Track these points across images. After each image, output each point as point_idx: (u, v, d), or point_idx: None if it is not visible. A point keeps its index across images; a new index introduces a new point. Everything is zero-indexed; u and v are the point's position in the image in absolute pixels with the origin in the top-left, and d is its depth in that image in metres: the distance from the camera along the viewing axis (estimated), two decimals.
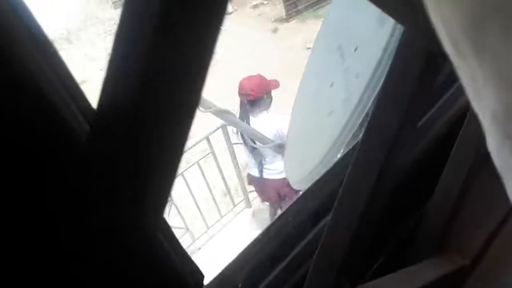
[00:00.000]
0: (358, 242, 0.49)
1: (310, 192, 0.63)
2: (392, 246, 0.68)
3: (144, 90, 0.25)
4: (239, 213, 3.78)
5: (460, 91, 0.75)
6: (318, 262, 0.49)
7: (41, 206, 0.27)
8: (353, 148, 0.57)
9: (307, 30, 6.59)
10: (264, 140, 2.57)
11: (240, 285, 0.51)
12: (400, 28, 1.02)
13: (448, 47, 0.24)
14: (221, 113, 2.28)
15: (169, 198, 0.33)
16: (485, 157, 0.68)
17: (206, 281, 0.43)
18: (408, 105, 0.43)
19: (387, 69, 0.48)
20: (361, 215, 0.48)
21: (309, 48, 5.59)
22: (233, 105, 2.89)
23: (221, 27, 0.26)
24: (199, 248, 3.44)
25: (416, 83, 0.41)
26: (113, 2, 8.32)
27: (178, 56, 0.25)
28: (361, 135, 0.51)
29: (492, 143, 0.24)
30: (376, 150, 0.47)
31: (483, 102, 0.24)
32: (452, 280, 0.62)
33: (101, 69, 6.62)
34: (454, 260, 0.63)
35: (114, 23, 7.98)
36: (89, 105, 0.30)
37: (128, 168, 0.29)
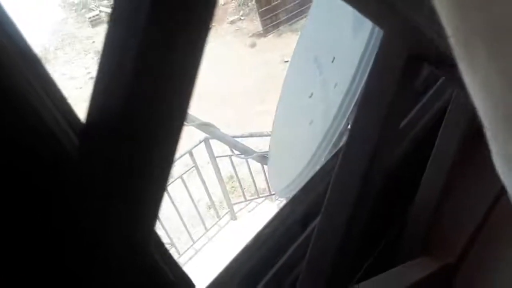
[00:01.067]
0: (347, 244, 0.50)
1: (297, 198, 0.64)
2: (380, 247, 0.69)
3: (131, 104, 0.26)
4: (224, 226, 3.76)
5: (439, 93, 0.78)
6: (309, 265, 0.50)
7: (31, 220, 0.27)
8: (337, 153, 0.59)
9: (285, 44, 6.68)
10: (247, 152, 2.58)
11: None
12: (376, 37, 1.05)
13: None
14: (204, 126, 2.28)
15: (159, 210, 0.34)
16: (465, 157, 0.70)
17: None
18: (388, 108, 0.44)
19: (365, 77, 0.49)
20: (348, 218, 0.49)
21: (287, 61, 5.67)
22: (213, 119, 2.90)
23: (206, 42, 0.26)
24: (185, 263, 3.39)
25: (396, 85, 0.43)
26: (91, 21, 8.27)
27: (164, 70, 0.26)
28: (343, 141, 0.52)
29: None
30: (360, 154, 0.49)
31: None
32: (439, 278, 0.64)
33: (81, 88, 6.54)
34: (440, 259, 0.65)
35: (93, 42, 7.93)
36: (77, 119, 0.30)
37: (118, 180, 0.29)
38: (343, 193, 0.49)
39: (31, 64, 0.28)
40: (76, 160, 0.27)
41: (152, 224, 0.33)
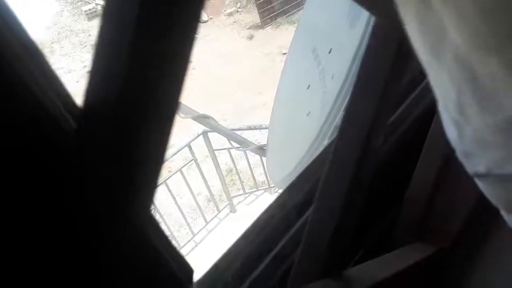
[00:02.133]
0: (341, 231, 0.51)
1: (292, 186, 0.65)
2: (374, 234, 0.70)
3: (127, 89, 0.26)
4: (223, 218, 3.78)
5: None
6: (304, 252, 0.51)
7: (29, 206, 0.27)
8: (331, 143, 0.60)
9: (282, 36, 6.66)
10: (245, 143, 2.59)
11: (230, 278, 0.53)
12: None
13: None
14: (201, 118, 2.28)
15: (154, 197, 0.34)
16: None
17: (196, 277, 0.44)
18: (381, 96, 0.45)
19: None
20: (342, 205, 0.50)
21: (284, 53, 5.66)
22: (211, 112, 2.90)
23: (197, 28, 0.27)
24: (186, 256, 3.41)
25: (388, 73, 0.44)
26: (87, 14, 8.22)
27: (157, 55, 0.26)
28: (338, 130, 0.53)
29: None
30: (353, 142, 0.49)
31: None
32: (434, 262, 0.65)
33: (78, 81, 6.51)
34: (434, 244, 0.66)
35: (89, 35, 7.89)
36: (74, 103, 0.30)
37: (115, 164, 0.30)
38: (337, 181, 0.50)
39: (29, 51, 0.28)
40: (75, 143, 0.28)
41: (149, 206, 0.34)
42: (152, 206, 0.34)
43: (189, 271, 0.41)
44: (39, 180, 0.27)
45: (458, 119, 0.30)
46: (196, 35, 0.27)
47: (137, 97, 0.27)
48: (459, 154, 0.34)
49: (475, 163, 0.32)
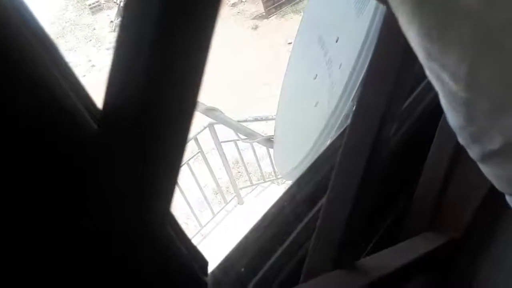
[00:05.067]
0: (354, 221, 0.51)
1: (304, 177, 0.65)
2: (386, 224, 0.70)
3: (148, 87, 0.27)
4: (231, 210, 3.79)
5: None
6: (317, 243, 0.51)
7: (51, 204, 0.28)
8: (343, 133, 0.59)
9: (287, 25, 6.62)
10: (252, 135, 2.59)
11: (243, 269, 0.53)
12: (379, 15, 1.04)
13: None
14: (208, 111, 2.29)
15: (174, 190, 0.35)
16: None
17: (210, 268, 0.44)
18: (393, 84, 0.45)
19: (369, 56, 0.49)
20: (355, 195, 0.50)
21: (290, 43, 5.62)
22: (217, 104, 2.90)
23: (216, 24, 0.27)
24: None
25: (400, 62, 0.43)
26: (91, 8, 8.22)
27: (179, 50, 0.26)
28: (349, 120, 0.53)
29: None
30: (365, 131, 0.49)
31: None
32: (445, 252, 0.65)
33: (84, 75, 6.54)
34: (445, 234, 0.66)
35: (93, 29, 7.89)
36: (94, 103, 0.31)
37: (137, 161, 0.30)
38: (349, 170, 0.50)
39: (48, 48, 0.28)
40: (95, 143, 0.28)
41: (169, 203, 0.34)
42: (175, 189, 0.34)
43: (204, 263, 0.42)
44: (60, 179, 0.28)
45: (467, 96, 0.30)
46: (215, 28, 0.28)
47: (159, 93, 0.27)
48: (466, 141, 0.33)
49: (487, 140, 0.31)
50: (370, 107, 0.46)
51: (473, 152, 0.34)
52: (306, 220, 0.59)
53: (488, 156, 0.32)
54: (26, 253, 0.28)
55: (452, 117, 0.33)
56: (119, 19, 0.28)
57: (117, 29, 0.27)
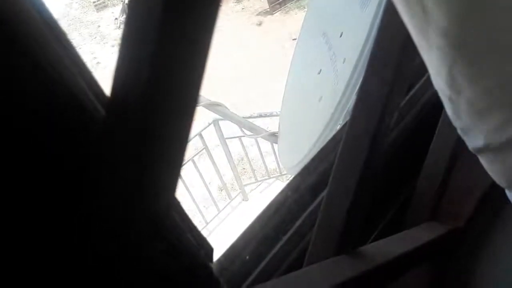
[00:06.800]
0: (356, 210, 0.52)
1: (307, 168, 0.66)
2: (389, 214, 0.71)
3: (154, 78, 0.27)
4: (236, 207, 3.80)
5: None
6: (319, 230, 0.52)
7: (57, 194, 0.29)
8: (344, 125, 0.60)
9: (292, 21, 6.60)
10: (257, 131, 2.60)
11: (248, 257, 0.54)
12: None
13: None
14: (212, 106, 2.29)
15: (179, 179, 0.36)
16: None
17: (215, 256, 0.45)
18: (395, 76, 0.45)
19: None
20: (357, 184, 0.51)
21: (294, 39, 5.61)
22: (222, 100, 2.90)
23: (217, 17, 0.28)
24: None
25: (401, 53, 0.44)
26: (95, 5, 8.23)
27: (184, 39, 0.27)
28: (351, 110, 0.54)
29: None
30: (367, 122, 0.50)
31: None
32: (447, 241, 0.66)
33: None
34: (448, 223, 0.67)
35: (98, 26, 7.91)
36: (102, 90, 0.31)
37: (141, 144, 0.31)
38: (351, 160, 0.50)
39: (59, 38, 0.29)
40: (103, 130, 0.29)
41: (174, 189, 0.35)
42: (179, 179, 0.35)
43: (209, 250, 0.43)
44: (67, 168, 0.28)
45: (450, 95, 0.30)
46: (217, 18, 0.28)
47: (165, 81, 0.28)
48: (460, 132, 0.34)
49: (473, 137, 0.32)
50: (371, 98, 0.47)
51: (468, 145, 0.34)
52: (310, 209, 0.60)
53: (477, 152, 0.33)
54: (32, 240, 0.28)
55: (447, 108, 0.34)
56: (124, 16, 0.28)
57: (121, 26, 0.28)
